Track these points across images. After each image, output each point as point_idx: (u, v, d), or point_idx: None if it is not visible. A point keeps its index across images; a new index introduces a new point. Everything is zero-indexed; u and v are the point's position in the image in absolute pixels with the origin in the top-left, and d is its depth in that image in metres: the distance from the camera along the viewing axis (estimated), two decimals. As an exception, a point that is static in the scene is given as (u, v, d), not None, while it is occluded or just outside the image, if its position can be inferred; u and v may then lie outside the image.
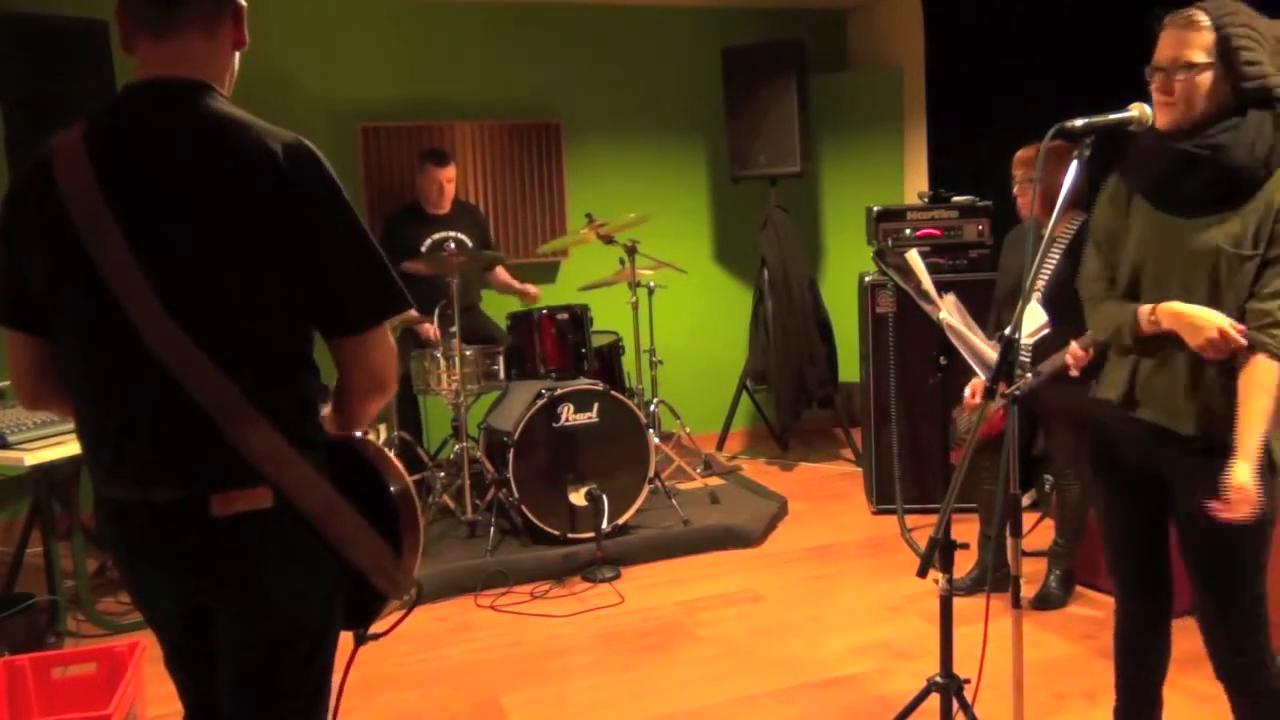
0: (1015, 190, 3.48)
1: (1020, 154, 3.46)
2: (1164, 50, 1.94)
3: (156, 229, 1.39)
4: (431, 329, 4.58)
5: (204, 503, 1.41)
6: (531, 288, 5.17)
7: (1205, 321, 1.89)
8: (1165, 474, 2.05)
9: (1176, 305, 1.94)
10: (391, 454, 1.61)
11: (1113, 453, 2.16)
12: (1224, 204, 1.91)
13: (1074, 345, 3.04)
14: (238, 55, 1.57)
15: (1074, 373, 3.03)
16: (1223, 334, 1.87)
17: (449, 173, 4.94)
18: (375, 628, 1.64)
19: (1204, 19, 1.89)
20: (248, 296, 1.41)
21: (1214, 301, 1.92)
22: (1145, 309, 1.99)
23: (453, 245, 4.87)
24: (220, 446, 1.40)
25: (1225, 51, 1.87)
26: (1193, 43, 1.89)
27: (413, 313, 4.96)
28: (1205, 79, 1.89)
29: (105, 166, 1.40)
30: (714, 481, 5.08)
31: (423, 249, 4.85)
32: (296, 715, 1.55)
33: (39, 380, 1.55)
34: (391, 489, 1.55)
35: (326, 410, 1.59)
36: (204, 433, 1.40)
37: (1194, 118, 1.91)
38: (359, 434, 1.60)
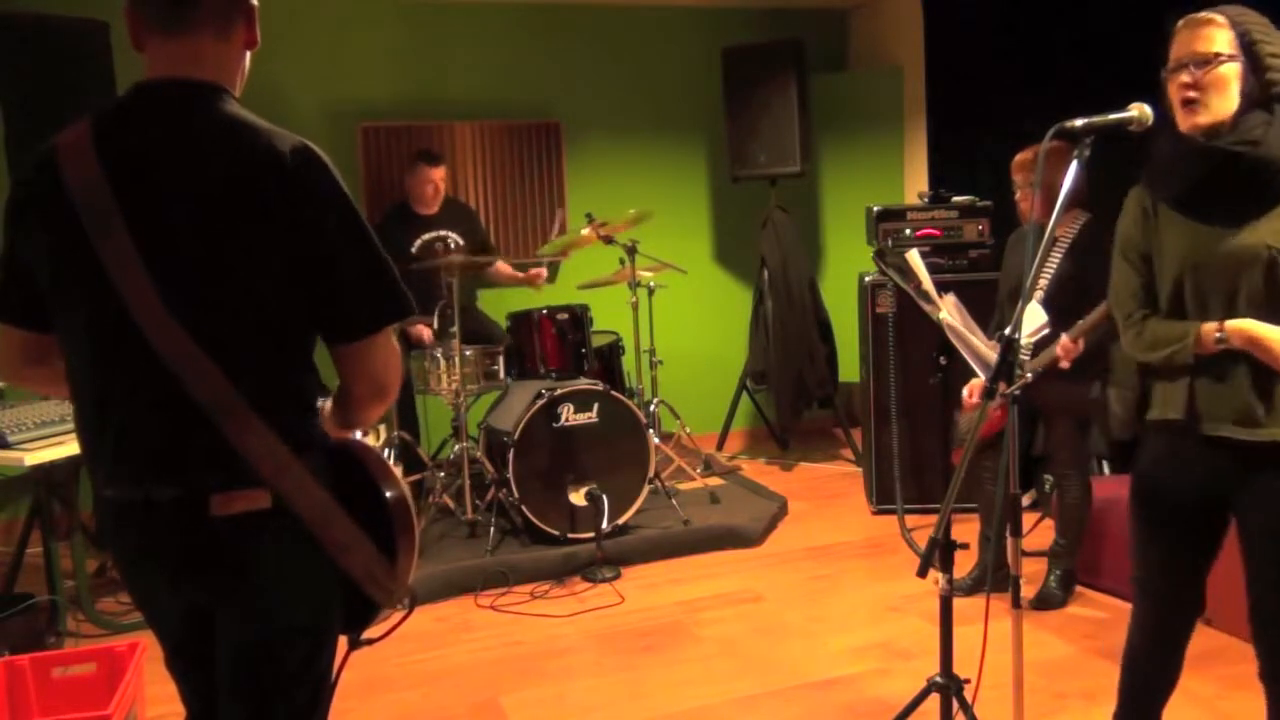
0: (1017, 196, 3.46)
1: (1018, 158, 3.45)
2: (1183, 48, 1.90)
3: (162, 228, 1.39)
4: (427, 331, 4.57)
5: (203, 502, 1.41)
6: (540, 271, 5.06)
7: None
8: (1232, 487, 1.97)
9: (1249, 325, 1.87)
10: (389, 459, 1.61)
11: (1167, 479, 2.07)
12: (1260, 203, 1.86)
13: (1064, 337, 3.04)
14: (249, 55, 1.56)
15: (1064, 364, 3.03)
16: None
17: (442, 172, 4.93)
18: (369, 633, 1.63)
19: (1221, 18, 1.87)
20: (250, 298, 1.41)
21: (1268, 304, 1.87)
22: (1210, 327, 1.91)
23: (450, 245, 4.86)
24: (220, 447, 1.40)
25: (1248, 46, 1.84)
26: (1215, 37, 1.86)
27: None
28: (1233, 70, 1.85)
29: (114, 164, 1.40)
30: (714, 481, 5.08)
31: (413, 249, 4.84)
32: (295, 717, 1.55)
33: (25, 365, 1.56)
34: (387, 495, 1.55)
35: (326, 408, 1.58)
36: (204, 433, 1.40)
37: (1227, 114, 1.86)
38: (359, 438, 1.60)
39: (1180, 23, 1.92)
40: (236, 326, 1.41)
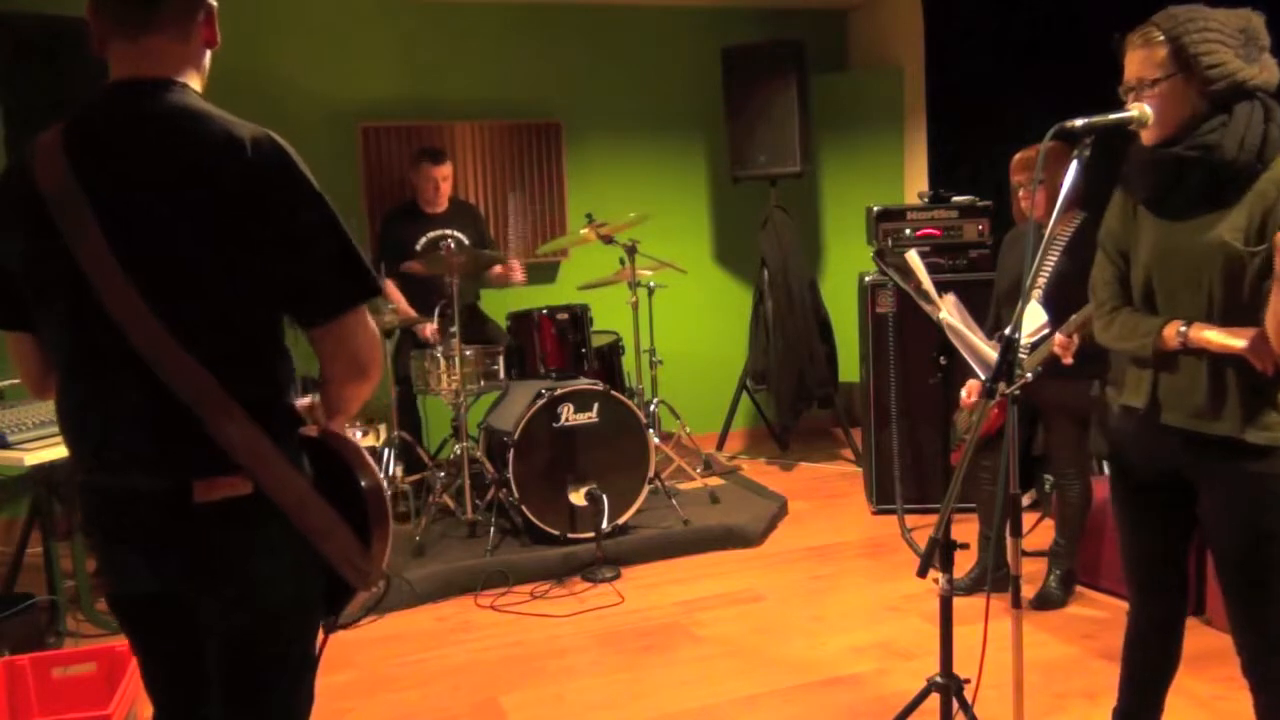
0: (1020, 195, 3.42)
1: (1019, 157, 3.43)
2: (1128, 71, 1.96)
3: (132, 224, 1.42)
4: (431, 329, 4.59)
5: (186, 490, 1.44)
6: (514, 262, 5.01)
7: (1238, 341, 1.88)
8: (1192, 478, 2.04)
9: (1205, 335, 1.92)
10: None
11: (1133, 459, 2.15)
12: (1222, 202, 1.91)
13: (1058, 336, 3.04)
14: (209, 54, 1.59)
15: (1066, 360, 3.03)
16: (1255, 340, 1.85)
17: (445, 170, 4.93)
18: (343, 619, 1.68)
19: (1157, 34, 1.91)
20: (222, 287, 1.43)
21: (1227, 300, 1.91)
22: (1172, 329, 1.96)
23: (451, 244, 4.86)
24: (200, 436, 1.43)
25: (1185, 60, 1.87)
26: (1149, 59, 1.91)
27: (412, 312, 4.92)
28: (1171, 87, 1.90)
29: (82, 164, 1.43)
30: (714, 481, 5.08)
31: (418, 248, 4.85)
32: (281, 700, 1.58)
33: (46, 373, 1.59)
34: (363, 484, 1.58)
35: (308, 400, 1.61)
36: (184, 423, 1.43)
37: (1174, 129, 1.92)
38: (338, 429, 1.63)
39: (1127, 39, 1.97)
40: (210, 316, 1.44)
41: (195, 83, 1.54)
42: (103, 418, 1.48)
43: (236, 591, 1.50)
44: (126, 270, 1.40)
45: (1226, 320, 1.92)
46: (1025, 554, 3.56)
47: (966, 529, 3.58)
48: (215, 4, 1.57)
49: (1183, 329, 1.95)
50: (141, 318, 1.40)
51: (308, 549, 1.51)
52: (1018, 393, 2.02)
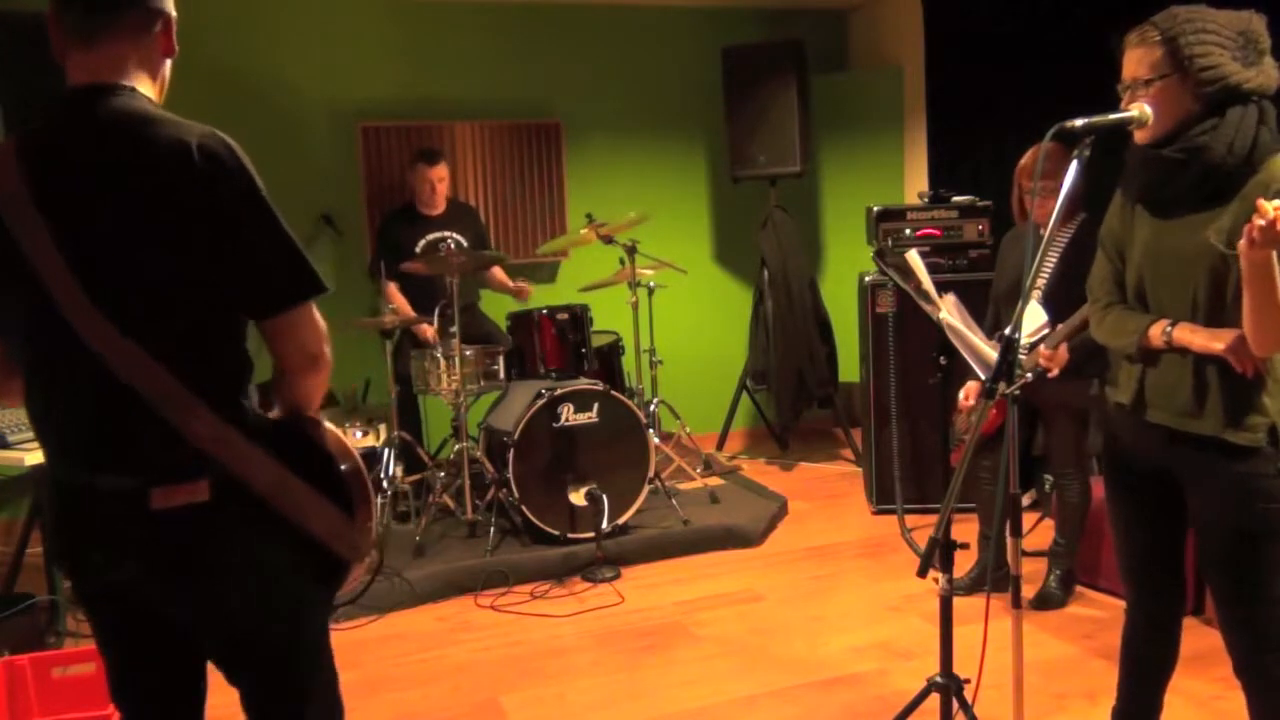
0: (1036, 202, 3.24)
1: (1025, 163, 3.40)
2: (1125, 70, 1.97)
3: (81, 226, 1.44)
4: (430, 330, 4.59)
5: (144, 496, 1.45)
6: (525, 285, 5.08)
7: (1218, 343, 1.89)
8: (1179, 476, 2.05)
9: (1186, 336, 1.94)
10: (342, 435, 1.66)
11: (1125, 455, 2.16)
12: (1211, 203, 1.92)
13: (1042, 349, 3.03)
14: (169, 63, 1.61)
15: (1053, 372, 3.03)
16: (1234, 342, 1.86)
17: (440, 171, 4.93)
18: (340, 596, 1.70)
19: (1154, 34, 1.92)
20: (170, 286, 1.45)
21: (1211, 301, 1.93)
22: (1158, 328, 1.99)
23: (451, 245, 4.86)
24: (159, 436, 1.45)
25: (1180, 61, 1.88)
26: (1145, 59, 1.92)
27: (412, 313, 4.92)
28: (1164, 92, 1.91)
29: (34, 169, 1.46)
30: (714, 481, 5.08)
31: (418, 250, 4.85)
32: (292, 696, 1.62)
33: (8, 375, 1.61)
34: (342, 467, 1.60)
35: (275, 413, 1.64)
36: (142, 422, 1.45)
37: (1167, 129, 1.93)
38: (310, 415, 1.64)
39: (1126, 38, 1.98)
40: (161, 314, 1.46)
41: (153, 92, 1.56)
42: (64, 417, 1.50)
43: (209, 594, 1.51)
44: (76, 272, 1.42)
45: (1211, 321, 1.93)
46: (1025, 554, 3.56)
47: (966, 529, 3.58)
48: (174, 14, 1.59)
49: (1168, 329, 1.97)
50: (91, 315, 1.42)
51: (277, 543, 1.52)
52: (1017, 393, 2.03)
